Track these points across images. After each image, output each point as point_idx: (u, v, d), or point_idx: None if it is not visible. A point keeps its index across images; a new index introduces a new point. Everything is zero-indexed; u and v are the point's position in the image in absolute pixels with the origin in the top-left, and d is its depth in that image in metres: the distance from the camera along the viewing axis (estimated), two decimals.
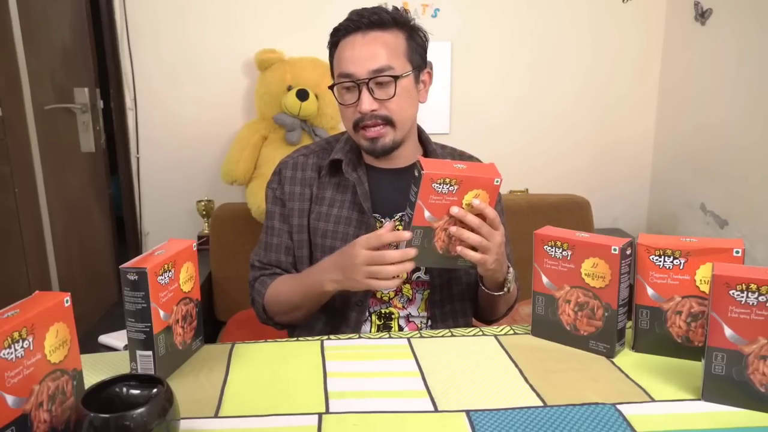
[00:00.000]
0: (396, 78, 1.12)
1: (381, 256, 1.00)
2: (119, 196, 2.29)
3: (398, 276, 1.01)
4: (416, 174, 0.97)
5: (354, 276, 1.03)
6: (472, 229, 1.00)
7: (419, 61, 1.17)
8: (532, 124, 2.35)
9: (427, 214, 0.97)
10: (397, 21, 1.14)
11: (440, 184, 0.96)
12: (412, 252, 0.99)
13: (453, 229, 0.99)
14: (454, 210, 0.98)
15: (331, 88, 1.17)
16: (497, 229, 1.02)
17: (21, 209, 1.88)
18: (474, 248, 1.01)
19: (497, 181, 0.99)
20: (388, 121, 1.14)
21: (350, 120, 1.16)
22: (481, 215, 1.00)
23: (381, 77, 1.11)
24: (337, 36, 1.16)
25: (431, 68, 1.22)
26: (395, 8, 1.20)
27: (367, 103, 1.11)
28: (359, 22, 1.12)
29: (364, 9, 1.15)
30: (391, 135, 1.15)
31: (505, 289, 1.15)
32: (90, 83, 2.19)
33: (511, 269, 1.16)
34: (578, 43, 2.29)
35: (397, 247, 1.01)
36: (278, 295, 1.20)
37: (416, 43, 1.17)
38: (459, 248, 1.01)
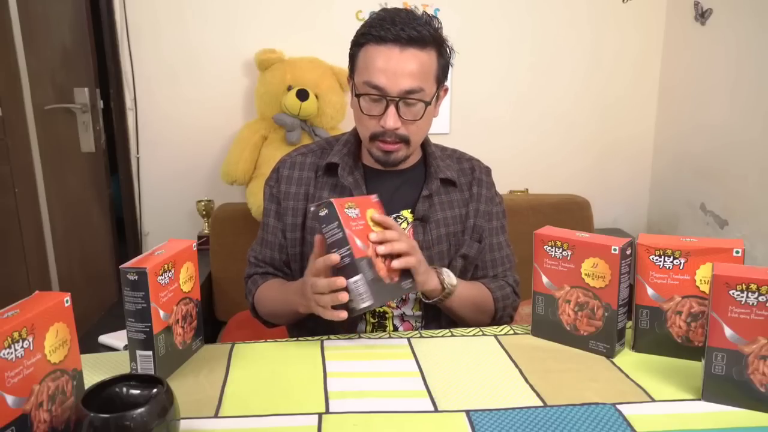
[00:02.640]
0: (426, 104, 1.11)
1: (314, 284, 0.97)
2: (119, 196, 2.29)
3: (340, 309, 0.96)
4: (323, 213, 0.96)
5: (309, 303, 1.01)
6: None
7: (442, 78, 1.16)
8: (532, 125, 2.35)
9: (358, 242, 0.96)
10: (435, 40, 1.11)
11: (348, 208, 0.97)
12: (340, 281, 0.94)
13: (381, 248, 0.98)
14: (373, 236, 0.98)
15: (357, 96, 1.12)
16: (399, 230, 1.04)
17: (21, 209, 1.88)
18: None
19: (375, 198, 1.05)
20: (405, 141, 1.14)
21: (368, 130, 1.14)
22: (385, 226, 1.02)
23: (411, 99, 1.10)
24: (367, 38, 1.10)
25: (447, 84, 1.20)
26: (426, 14, 1.13)
27: (393, 121, 1.10)
28: (399, 35, 1.07)
29: (400, 15, 1.09)
30: (404, 151, 1.15)
31: (447, 286, 1.11)
32: (90, 83, 2.19)
33: (441, 269, 1.13)
34: (578, 43, 2.29)
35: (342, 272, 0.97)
36: (264, 299, 1.23)
37: (444, 60, 1.15)
38: (396, 263, 0.99)
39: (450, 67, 1.18)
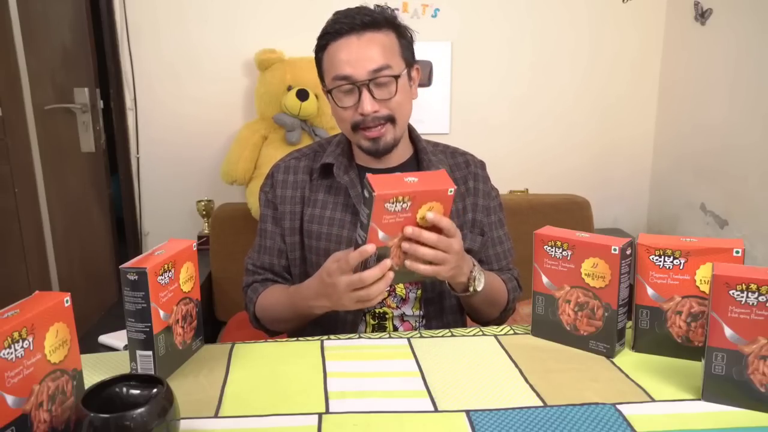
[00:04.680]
0: (396, 77, 1.12)
1: (360, 280, 0.94)
2: (119, 196, 2.29)
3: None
4: (366, 195, 0.90)
5: (342, 303, 0.99)
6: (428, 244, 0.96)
7: (410, 59, 1.17)
8: (532, 124, 2.35)
9: (381, 234, 0.92)
10: (389, 21, 1.14)
11: (392, 203, 0.90)
12: (388, 263, 0.94)
13: (406, 245, 0.94)
14: (408, 230, 0.93)
15: (328, 92, 1.14)
16: (453, 236, 0.97)
17: (21, 209, 1.88)
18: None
19: (451, 191, 0.94)
20: (390, 120, 1.13)
21: (348, 122, 1.14)
22: (436, 227, 0.95)
23: (381, 77, 1.10)
24: (327, 39, 1.13)
25: (417, 64, 1.22)
26: (379, 6, 1.17)
27: (369, 105, 1.10)
28: (353, 24, 1.10)
29: (351, 9, 1.13)
30: (391, 133, 1.15)
31: (471, 290, 1.09)
32: (90, 83, 2.19)
33: (476, 268, 1.09)
34: (578, 42, 2.29)
35: (367, 262, 0.96)
36: (267, 307, 1.20)
37: (406, 40, 1.17)
38: (408, 263, 0.96)
39: (413, 43, 1.19)
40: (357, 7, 1.14)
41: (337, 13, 1.14)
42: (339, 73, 1.11)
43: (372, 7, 1.15)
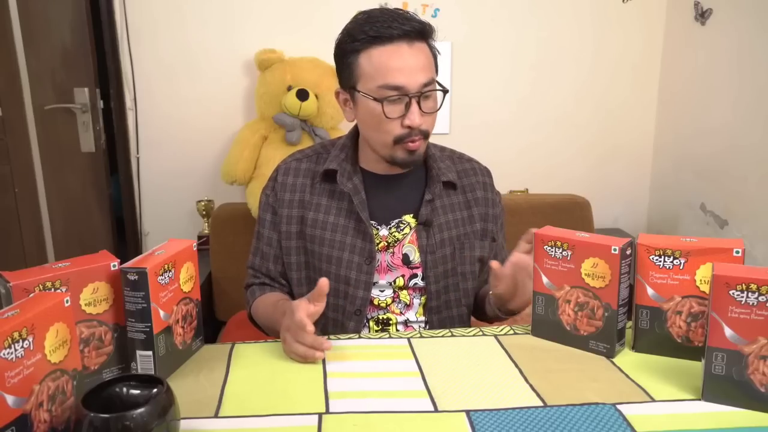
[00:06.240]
0: (444, 91, 1.11)
1: (301, 334, 0.94)
2: (119, 196, 2.29)
3: (308, 357, 0.94)
4: None
5: (284, 333, 0.98)
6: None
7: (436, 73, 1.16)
8: (532, 124, 2.35)
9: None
10: (428, 34, 1.11)
11: None
12: (326, 343, 0.94)
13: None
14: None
15: (380, 101, 1.07)
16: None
17: (21, 209, 1.89)
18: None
19: None
20: (425, 135, 1.12)
21: (391, 134, 1.09)
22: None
23: (430, 91, 1.09)
24: (371, 41, 1.06)
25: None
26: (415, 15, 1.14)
27: (419, 118, 1.07)
28: (406, 30, 1.06)
29: (393, 12, 1.08)
30: (424, 146, 1.14)
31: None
32: (90, 83, 2.19)
33: None
34: (578, 42, 2.29)
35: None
36: (257, 314, 1.24)
37: (434, 54, 1.15)
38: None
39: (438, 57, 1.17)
40: (399, 11, 1.09)
41: (367, 14, 1.09)
42: (390, 82, 1.06)
43: (400, 12, 1.10)
